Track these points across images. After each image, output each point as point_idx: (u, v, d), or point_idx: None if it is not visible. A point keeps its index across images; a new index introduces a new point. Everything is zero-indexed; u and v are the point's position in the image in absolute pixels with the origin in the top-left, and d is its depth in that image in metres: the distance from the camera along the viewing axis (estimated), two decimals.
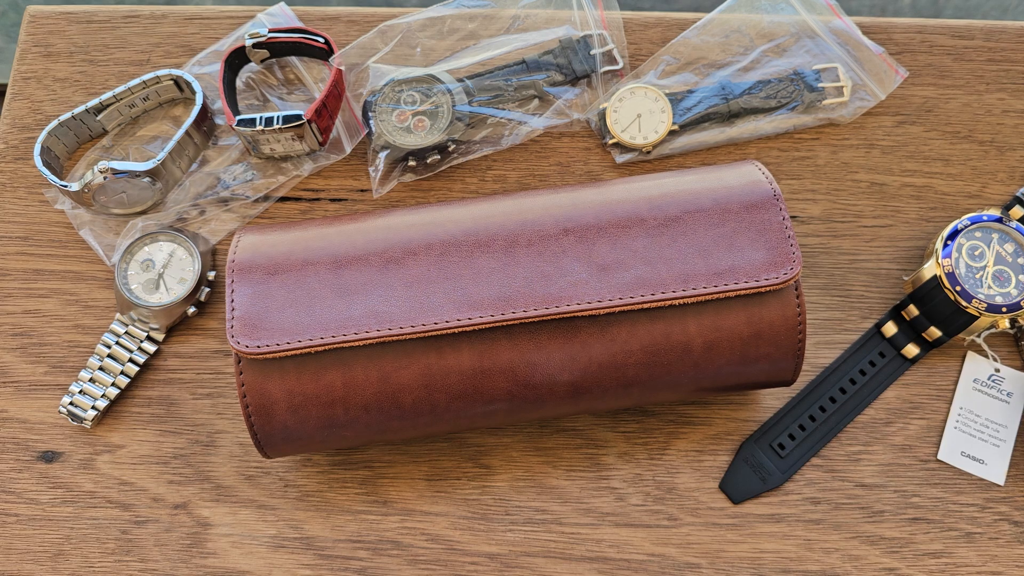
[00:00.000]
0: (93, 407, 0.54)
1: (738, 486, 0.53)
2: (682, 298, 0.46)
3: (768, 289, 0.47)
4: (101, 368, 0.55)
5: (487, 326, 0.46)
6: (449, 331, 0.46)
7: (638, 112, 0.59)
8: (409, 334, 0.46)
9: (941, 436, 0.54)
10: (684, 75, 0.60)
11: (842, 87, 0.60)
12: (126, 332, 0.56)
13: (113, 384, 0.55)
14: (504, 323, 0.46)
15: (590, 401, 0.49)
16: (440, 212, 0.50)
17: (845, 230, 0.58)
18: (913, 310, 0.55)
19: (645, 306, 0.46)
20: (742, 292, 0.47)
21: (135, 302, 0.55)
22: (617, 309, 0.46)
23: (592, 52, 0.60)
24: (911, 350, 0.55)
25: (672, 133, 0.59)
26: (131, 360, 0.56)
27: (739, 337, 0.48)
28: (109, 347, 0.56)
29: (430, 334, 0.46)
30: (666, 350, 0.48)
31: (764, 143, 0.60)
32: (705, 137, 0.59)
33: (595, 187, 0.51)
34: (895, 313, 0.56)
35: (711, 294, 0.47)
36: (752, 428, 0.55)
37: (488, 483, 0.54)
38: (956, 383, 0.55)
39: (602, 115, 0.59)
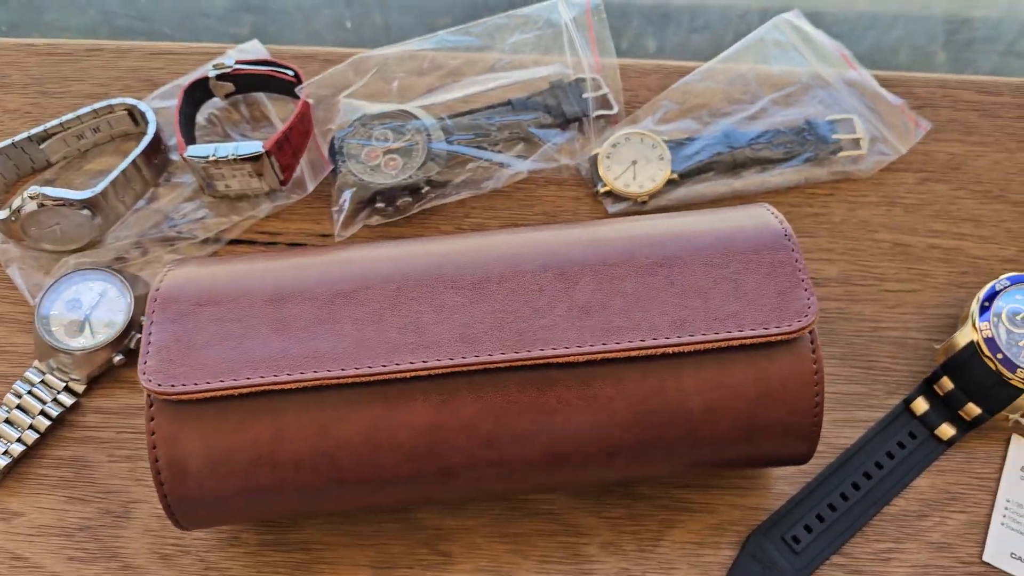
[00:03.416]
0: None
1: None
2: (677, 346, 0.39)
3: (779, 339, 0.40)
4: (7, 421, 0.48)
5: (445, 371, 0.39)
6: (400, 376, 0.39)
7: (633, 159, 0.53)
8: (353, 377, 0.39)
9: (986, 533, 0.46)
10: (685, 122, 0.55)
11: (859, 139, 0.54)
12: (41, 381, 0.49)
13: (19, 440, 0.48)
14: (465, 368, 0.39)
15: (567, 472, 0.41)
16: (407, 246, 0.44)
17: (865, 294, 0.52)
18: (947, 383, 0.47)
19: (633, 354, 0.39)
20: (748, 341, 0.39)
21: (55, 345, 0.49)
22: (599, 357, 0.39)
23: (584, 96, 0.55)
24: (946, 431, 0.47)
25: (671, 183, 0.53)
26: (43, 413, 0.48)
27: (745, 397, 0.40)
28: (19, 397, 0.48)
29: (378, 378, 0.39)
30: (658, 410, 0.40)
31: (773, 197, 0.54)
32: (707, 189, 0.53)
33: (582, 225, 0.45)
34: (926, 387, 0.48)
35: (711, 342, 0.39)
36: (761, 517, 0.46)
37: (446, 574, 0.45)
38: (1000, 471, 0.47)
39: (594, 161, 0.54)
